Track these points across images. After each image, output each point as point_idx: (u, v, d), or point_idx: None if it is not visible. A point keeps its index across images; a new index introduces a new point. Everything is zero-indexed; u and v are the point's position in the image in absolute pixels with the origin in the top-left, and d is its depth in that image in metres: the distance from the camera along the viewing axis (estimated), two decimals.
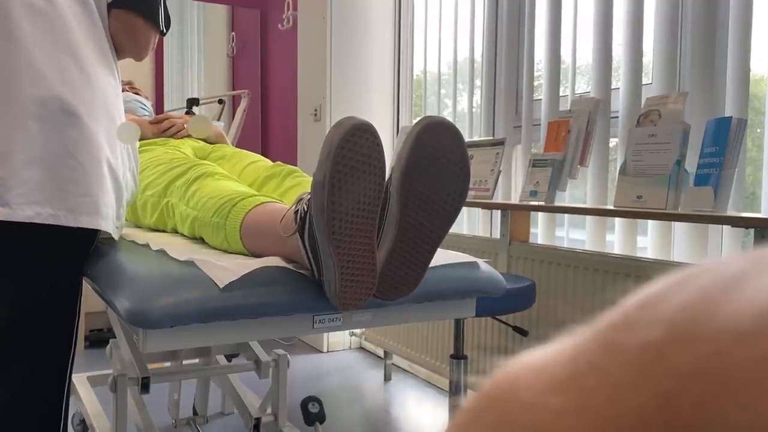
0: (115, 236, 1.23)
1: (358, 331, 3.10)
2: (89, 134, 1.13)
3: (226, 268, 1.01)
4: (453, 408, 2.00)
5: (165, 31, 1.31)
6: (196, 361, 1.98)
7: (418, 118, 1.05)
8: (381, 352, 2.87)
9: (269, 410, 1.72)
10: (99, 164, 1.14)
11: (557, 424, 0.15)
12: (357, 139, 0.92)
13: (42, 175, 1.09)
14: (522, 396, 0.17)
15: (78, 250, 1.20)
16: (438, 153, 0.99)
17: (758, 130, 1.71)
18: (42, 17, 1.12)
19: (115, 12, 1.23)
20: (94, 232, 1.18)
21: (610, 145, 2.02)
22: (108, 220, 1.17)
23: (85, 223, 1.12)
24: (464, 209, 2.51)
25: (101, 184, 1.15)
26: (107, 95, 1.19)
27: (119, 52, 1.28)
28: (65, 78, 1.12)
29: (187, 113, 2.39)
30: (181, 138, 1.84)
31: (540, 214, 2.20)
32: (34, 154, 1.08)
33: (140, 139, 1.77)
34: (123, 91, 2.12)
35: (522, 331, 1.96)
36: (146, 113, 2.13)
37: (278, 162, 1.56)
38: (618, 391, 0.15)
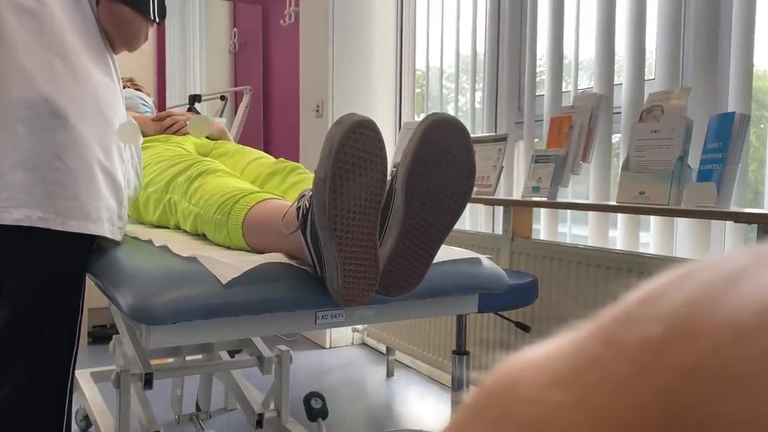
0: (116, 237, 1.22)
1: (360, 327, 3.10)
2: (77, 136, 1.12)
3: (229, 265, 1.01)
4: (455, 404, 2.01)
5: (158, 20, 1.29)
6: (199, 357, 1.99)
7: (423, 115, 1.05)
8: (383, 348, 2.87)
9: (272, 406, 1.72)
10: (88, 167, 1.13)
11: (558, 420, 0.15)
12: (358, 136, 0.92)
13: (29, 178, 1.08)
14: (523, 391, 0.17)
15: (78, 251, 1.20)
16: (444, 150, 0.99)
17: (761, 126, 1.71)
18: (31, 17, 1.11)
19: (102, 2, 1.21)
20: (90, 235, 1.18)
21: (613, 140, 2.01)
22: (101, 224, 1.16)
23: (73, 227, 1.11)
24: (467, 205, 2.51)
25: (90, 187, 1.14)
26: (100, 94, 1.18)
27: (112, 44, 1.26)
28: (54, 79, 1.11)
29: (189, 110, 2.39)
30: (184, 135, 1.84)
31: (542, 210, 2.20)
32: (22, 157, 1.08)
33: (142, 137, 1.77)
34: (124, 87, 2.12)
35: (524, 327, 1.96)
36: (148, 110, 2.13)
37: (281, 158, 1.56)
38: (618, 386, 0.15)
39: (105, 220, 1.17)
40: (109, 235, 1.18)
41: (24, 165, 1.08)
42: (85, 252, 1.21)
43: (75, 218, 1.12)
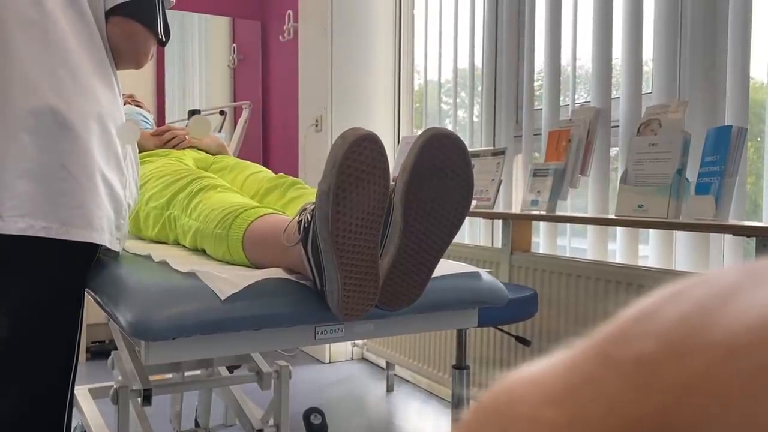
0: (115, 248, 1.22)
1: (360, 341, 3.09)
2: (82, 145, 1.13)
3: (228, 280, 1.01)
4: (455, 419, 2.00)
5: (165, 40, 1.30)
6: (198, 372, 1.98)
7: (421, 129, 1.06)
8: (383, 363, 2.86)
9: (271, 422, 1.71)
10: (92, 176, 1.14)
11: None
12: (362, 149, 0.93)
13: (34, 187, 1.08)
14: (519, 409, 0.17)
15: (79, 263, 1.20)
16: (442, 164, 0.99)
17: (758, 139, 1.72)
18: (36, 28, 1.12)
19: (114, 19, 1.22)
20: (92, 245, 1.18)
21: (611, 154, 2.02)
22: (102, 233, 1.16)
23: (77, 236, 1.12)
24: (466, 219, 2.51)
25: (94, 196, 1.14)
26: (103, 106, 1.19)
27: (117, 60, 1.27)
28: (58, 89, 1.12)
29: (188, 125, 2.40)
30: (183, 149, 1.85)
31: (542, 223, 2.20)
32: (27, 166, 1.08)
33: (141, 151, 1.77)
34: (125, 104, 2.13)
35: (524, 341, 1.96)
36: (148, 126, 2.13)
37: (281, 173, 1.56)
38: (613, 404, 0.15)
39: (106, 229, 1.17)
40: (108, 245, 1.19)
41: (29, 174, 1.08)
42: (85, 265, 1.21)
43: (79, 227, 1.12)
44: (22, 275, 1.15)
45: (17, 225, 1.07)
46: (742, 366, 0.14)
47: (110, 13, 1.21)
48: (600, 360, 0.16)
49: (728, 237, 1.69)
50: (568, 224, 2.15)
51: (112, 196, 1.19)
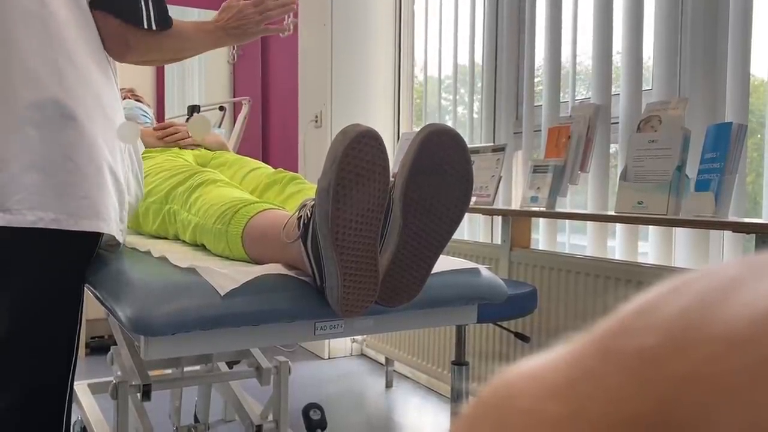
0: (119, 238, 1.22)
1: (359, 337, 3.09)
2: (87, 136, 1.12)
3: (228, 276, 1.01)
4: (454, 415, 2.00)
5: (156, 27, 1.23)
6: (198, 368, 1.98)
7: (421, 126, 1.06)
8: (382, 359, 2.86)
9: (270, 417, 1.71)
10: (97, 166, 1.14)
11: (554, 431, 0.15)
12: (362, 146, 0.93)
13: (41, 179, 1.09)
14: (519, 403, 0.17)
15: (79, 255, 1.20)
16: (441, 160, 0.99)
17: (758, 136, 1.72)
18: (36, 20, 1.11)
19: (93, 12, 1.20)
20: (95, 237, 1.18)
21: (611, 151, 2.02)
22: (110, 222, 1.16)
23: (86, 226, 1.12)
24: (465, 215, 2.50)
25: (100, 185, 1.14)
26: (104, 96, 1.18)
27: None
28: (61, 80, 1.11)
29: (188, 120, 2.39)
30: (185, 147, 1.85)
31: (541, 219, 2.20)
32: (33, 159, 1.08)
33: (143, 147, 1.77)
34: (125, 98, 2.13)
35: (523, 338, 1.96)
36: (148, 121, 2.13)
37: (280, 168, 1.56)
38: (614, 397, 0.15)
39: (113, 219, 1.18)
40: (115, 234, 1.19)
41: (36, 167, 1.08)
42: (87, 258, 1.21)
43: (87, 217, 1.12)
44: (25, 268, 1.15)
45: (26, 218, 1.08)
46: (743, 359, 0.14)
47: (90, 7, 1.20)
48: (601, 354, 0.16)
49: (728, 234, 1.69)
50: (568, 221, 2.15)
51: (117, 186, 1.20)
